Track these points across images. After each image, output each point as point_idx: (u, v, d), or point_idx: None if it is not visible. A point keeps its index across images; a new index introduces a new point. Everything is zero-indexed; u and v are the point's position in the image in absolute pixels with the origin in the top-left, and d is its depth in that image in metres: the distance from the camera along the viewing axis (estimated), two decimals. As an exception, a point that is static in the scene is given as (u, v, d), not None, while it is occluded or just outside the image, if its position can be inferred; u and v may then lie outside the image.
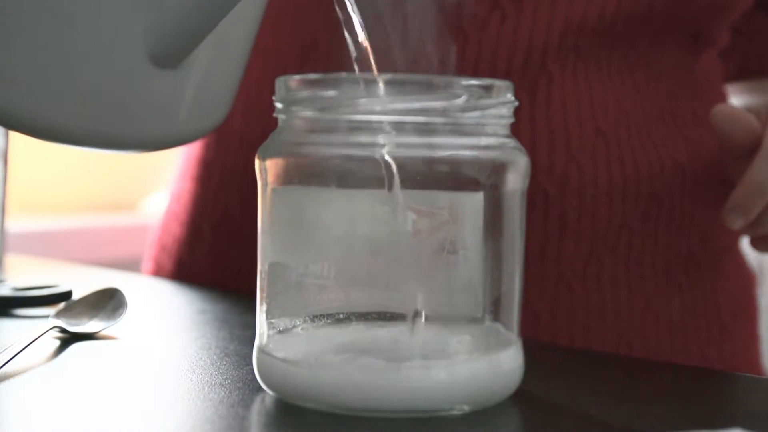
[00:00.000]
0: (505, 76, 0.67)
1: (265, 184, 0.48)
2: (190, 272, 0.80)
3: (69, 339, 0.58)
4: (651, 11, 0.68)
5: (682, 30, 0.72)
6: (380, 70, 0.48)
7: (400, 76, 0.46)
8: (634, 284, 0.71)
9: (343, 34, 0.49)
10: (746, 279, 0.80)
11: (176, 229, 0.81)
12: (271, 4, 0.58)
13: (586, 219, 0.69)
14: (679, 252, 0.73)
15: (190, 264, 0.80)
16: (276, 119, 0.48)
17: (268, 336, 0.48)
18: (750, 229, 0.68)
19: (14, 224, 1.23)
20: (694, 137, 0.72)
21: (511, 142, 0.47)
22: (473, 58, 0.67)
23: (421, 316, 0.45)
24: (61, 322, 0.59)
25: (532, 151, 0.66)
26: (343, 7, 0.49)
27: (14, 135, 0.92)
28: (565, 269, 0.69)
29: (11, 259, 0.93)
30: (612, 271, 0.70)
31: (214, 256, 0.78)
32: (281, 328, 0.47)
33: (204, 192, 0.78)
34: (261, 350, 0.48)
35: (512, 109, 0.48)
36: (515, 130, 0.48)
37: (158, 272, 0.83)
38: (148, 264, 0.85)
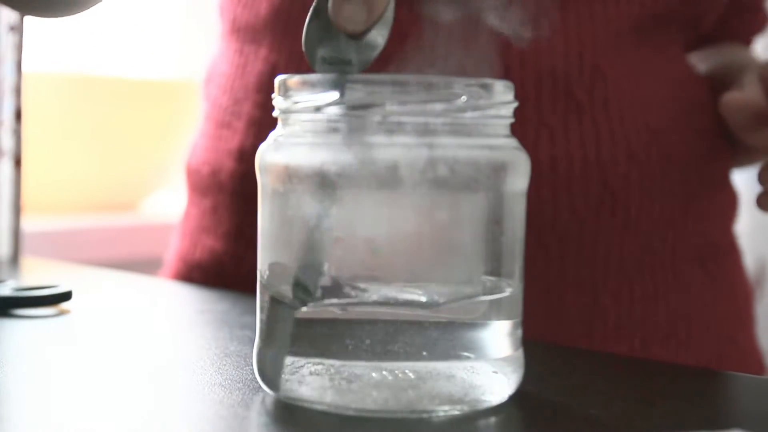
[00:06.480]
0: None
1: (265, 185, 0.48)
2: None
3: (68, 339, 0.58)
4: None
5: (689, 19, 0.73)
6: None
7: (400, 77, 0.46)
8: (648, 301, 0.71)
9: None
10: (744, 271, 0.81)
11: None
12: None
13: (614, 249, 0.69)
14: (692, 249, 0.73)
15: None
16: None
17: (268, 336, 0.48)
18: None
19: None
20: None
21: (512, 142, 0.47)
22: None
23: (420, 316, 0.45)
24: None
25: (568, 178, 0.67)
26: None
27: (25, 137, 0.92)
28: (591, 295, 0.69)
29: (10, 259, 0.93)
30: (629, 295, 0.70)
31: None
32: (281, 328, 0.47)
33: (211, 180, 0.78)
34: (261, 350, 0.48)
35: (512, 109, 0.48)
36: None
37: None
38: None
